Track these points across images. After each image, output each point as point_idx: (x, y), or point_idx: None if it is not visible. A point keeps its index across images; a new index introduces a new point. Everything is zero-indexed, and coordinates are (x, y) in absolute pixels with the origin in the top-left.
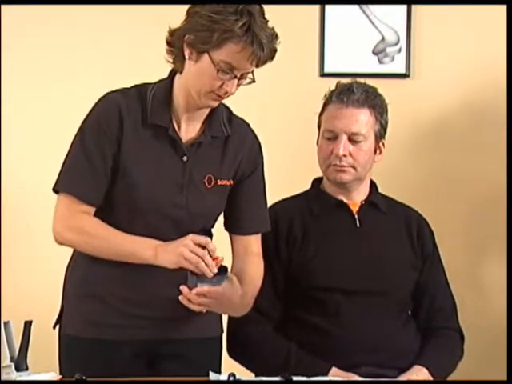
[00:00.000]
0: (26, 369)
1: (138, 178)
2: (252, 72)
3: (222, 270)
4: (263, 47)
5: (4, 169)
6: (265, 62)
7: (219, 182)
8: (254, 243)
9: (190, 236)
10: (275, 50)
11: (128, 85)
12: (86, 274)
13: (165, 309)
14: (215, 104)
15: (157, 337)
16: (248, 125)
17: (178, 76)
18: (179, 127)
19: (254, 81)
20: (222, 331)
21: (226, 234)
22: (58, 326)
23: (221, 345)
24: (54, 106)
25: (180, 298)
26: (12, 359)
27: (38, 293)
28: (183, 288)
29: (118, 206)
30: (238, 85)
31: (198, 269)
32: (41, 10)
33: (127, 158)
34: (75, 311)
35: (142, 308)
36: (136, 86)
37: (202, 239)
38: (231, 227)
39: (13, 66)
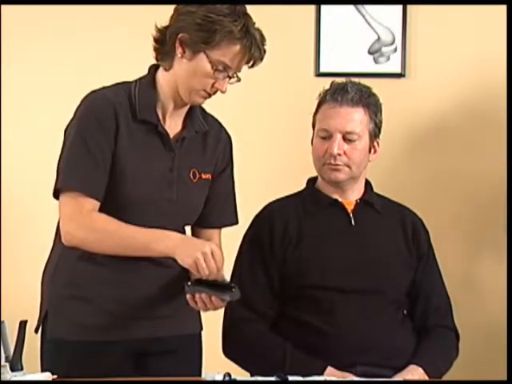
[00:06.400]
0: (21, 369)
1: (132, 173)
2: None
3: (231, 286)
4: (260, 48)
5: (4, 168)
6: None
7: (203, 176)
8: (216, 235)
9: (212, 246)
10: (265, 51)
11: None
12: (72, 275)
13: (151, 308)
14: (203, 101)
15: (144, 336)
16: (219, 122)
17: (161, 73)
18: (165, 123)
19: (239, 79)
20: (202, 329)
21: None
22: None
23: (201, 342)
24: (54, 106)
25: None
26: (7, 359)
27: (33, 293)
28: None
29: (111, 201)
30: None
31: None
32: (41, 10)
33: (123, 153)
34: (61, 314)
35: (129, 308)
36: (117, 84)
37: (219, 254)
38: (197, 221)
39: (13, 66)
